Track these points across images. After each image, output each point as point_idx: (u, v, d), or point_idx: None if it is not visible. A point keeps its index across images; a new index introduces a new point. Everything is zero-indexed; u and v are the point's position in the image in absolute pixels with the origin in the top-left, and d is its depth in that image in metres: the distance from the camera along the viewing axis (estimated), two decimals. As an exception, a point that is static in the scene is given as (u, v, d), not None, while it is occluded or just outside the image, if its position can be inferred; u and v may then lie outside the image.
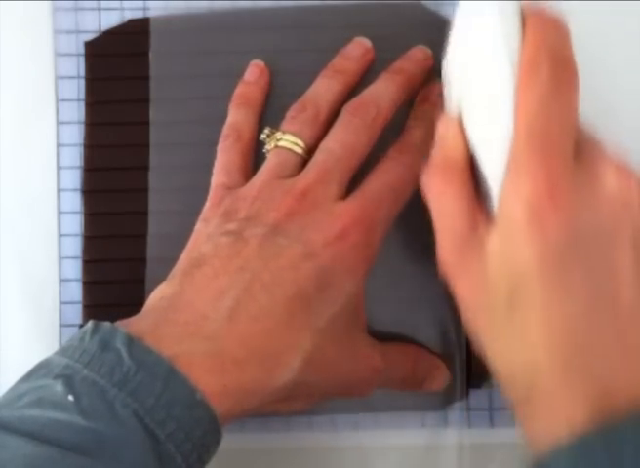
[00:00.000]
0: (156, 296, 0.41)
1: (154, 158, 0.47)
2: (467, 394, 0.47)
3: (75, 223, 0.48)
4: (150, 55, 0.47)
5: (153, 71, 0.47)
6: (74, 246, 0.48)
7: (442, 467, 0.47)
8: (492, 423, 0.48)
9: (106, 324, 0.38)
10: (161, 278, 0.46)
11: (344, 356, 0.42)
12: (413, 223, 0.46)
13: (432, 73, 0.46)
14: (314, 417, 0.47)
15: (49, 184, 0.48)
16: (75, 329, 0.48)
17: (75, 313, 0.48)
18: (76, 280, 0.48)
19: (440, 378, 0.46)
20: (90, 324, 0.39)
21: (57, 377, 0.37)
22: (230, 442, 0.47)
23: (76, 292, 0.48)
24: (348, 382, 0.43)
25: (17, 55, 0.48)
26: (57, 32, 0.48)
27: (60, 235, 0.48)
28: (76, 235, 0.48)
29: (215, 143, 0.46)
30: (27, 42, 0.48)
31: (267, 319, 0.39)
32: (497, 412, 0.48)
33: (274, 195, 0.41)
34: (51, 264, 0.48)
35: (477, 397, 0.47)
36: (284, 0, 0.48)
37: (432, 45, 0.47)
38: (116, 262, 0.47)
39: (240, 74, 0.47)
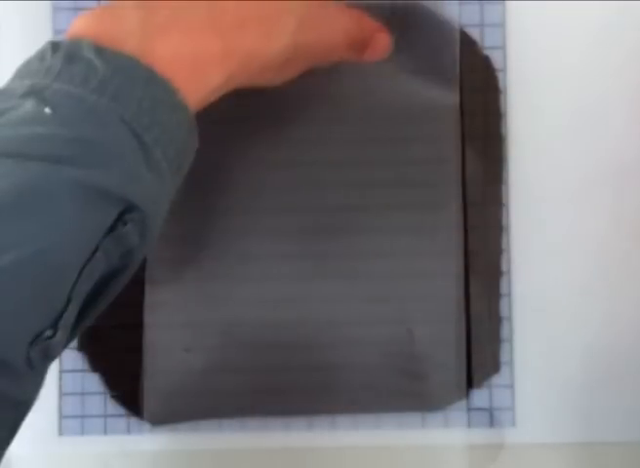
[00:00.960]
0: None
1: None
2: (467, 394, 0.47)
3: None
4: None
5: None
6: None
7: (442, 467, 0.47)
8: (492, 423, 0.48)
9: (65, 40, 0.36)
10: (160, 278, 0.46)
11: (327, 17, 0.42)
12: (414, 223, 0.47)
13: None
14: (314, 417, 0.47)
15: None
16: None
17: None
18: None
19: (382, 42, 0.45)
20: (47, 43, 0.36)
21: (23, 96, 0.34)
22: (230, 442, 0.47)
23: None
24: (329, 43, 0.42)
25: (17, 54, 0.48)
26: (57, 32, 0.48)
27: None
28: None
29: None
30: (27, 42, 0.48)
31: None
32: (497, 412, 0.48)
33: None
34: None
35: (477, 397, 0.47)
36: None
37: (432, 45, 0.47)
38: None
39: None
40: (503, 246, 0.48)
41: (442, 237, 0.47)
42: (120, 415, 0.47)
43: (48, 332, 0.32)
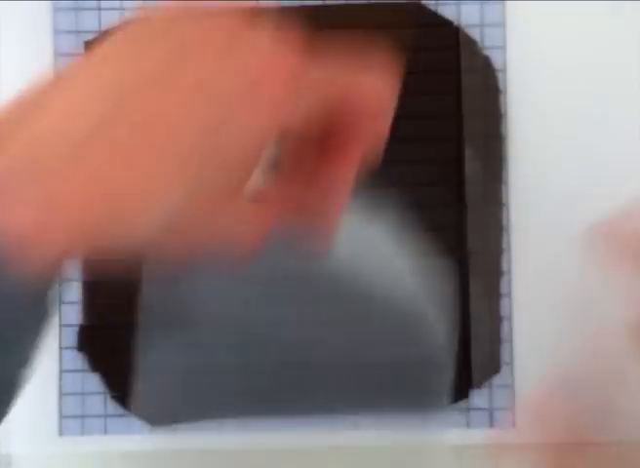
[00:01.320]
0: None
1: None
2: (467, 394, 0.47)
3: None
4: None
5: None
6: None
7: (442, 467, 0.47)
8: (492, 423, 0.48)
9: None
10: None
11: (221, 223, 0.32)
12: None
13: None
14: (314, 418, 0.47)
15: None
16: (75, 329, 0.48)
17: (75, 313, 0.48)
18: (76, 280, 0.48)
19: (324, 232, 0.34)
20: None
21: None
22: (230, 442, 0.47)
23: (76, 292, 0.48)
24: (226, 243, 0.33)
25: (17, 55, 0.48)
26: (57, 32, 0.48)
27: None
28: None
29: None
30: (27, 42, 0.48)
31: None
32: (497, 412, 0.48)
33: None
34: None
35: (477, 397, 0.47)
36: (286, 0, 0.48)
37: (432, 45, 0.47)
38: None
39: None
40: (503, 246, 0.48)
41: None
42: (120, 415, 0.47)
43: None
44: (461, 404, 0.47)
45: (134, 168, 0.28)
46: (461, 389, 0.47)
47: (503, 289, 0.48)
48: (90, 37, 0.48)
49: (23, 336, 0.29)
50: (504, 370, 0.47)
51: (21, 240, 0.28)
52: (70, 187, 0.28)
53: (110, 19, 0.48)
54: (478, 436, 0.47)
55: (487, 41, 0.48)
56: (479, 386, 0.47)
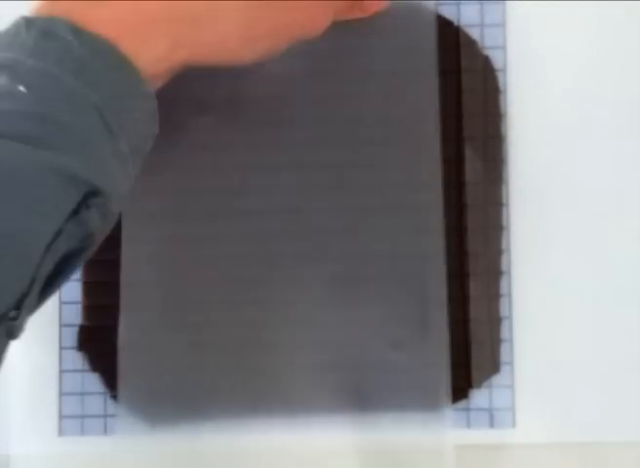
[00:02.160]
0: None
1: None
2: (467, 394, 0.47)
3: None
4: None
5: None
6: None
7: (442, 467, 0.47)
8: (492, 423, 0.47)
9: (42, 15, 0.35)
10: (135, 279, 0.46)
11: None
12: (407, 225, 0.47)
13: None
14: (313, 417, 0.47)
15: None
16: (75, 329, 0.48)
17: (75, 313, 0.48)
18: (76, 280, 0.48)
19: None
20: (20, 18, 0.35)
21: None
22: (231, 442, 0.47)
23: (76, 292, 0.48)
24: (306, 18, 0.41)
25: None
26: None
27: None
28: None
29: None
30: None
31: None
32: (497, 412, 0.47)
33: None
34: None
35: (477, 397, 0.47)
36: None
37: (432, 45, 0.47)
38: (116, 263, 0.47)
39: None
40: (503, 246, 0.48)
41: (425, 239, 0.47)
42: (120, 415, 0.47)
43: (12, 313, 0.32)
44: (461, 404, 0.47)
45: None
46: (461, 389, 0.47)
47: (503, 289, 0.48)
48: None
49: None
50: (504, 369, 0.47)
51: (127, 35, 0.35)
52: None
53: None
54: (478, 436, 0.47)
55: (487, 41, 0.48)
56: (479, 386, 0.47)
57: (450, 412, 0.47)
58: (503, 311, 0.47)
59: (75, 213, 0.33)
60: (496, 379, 0.47)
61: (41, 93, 0.33)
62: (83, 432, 0.47)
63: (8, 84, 0.32)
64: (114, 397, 0.47)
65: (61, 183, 0.32)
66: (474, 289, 0.47)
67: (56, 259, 0.33)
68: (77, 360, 0.48)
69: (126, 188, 0.36)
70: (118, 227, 0.46)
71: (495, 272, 0.47)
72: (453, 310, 0.47)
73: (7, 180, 0.31)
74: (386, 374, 0.47)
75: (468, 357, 0.47)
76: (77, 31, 0.34)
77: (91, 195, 0.34)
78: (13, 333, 0.32)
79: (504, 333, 0.47)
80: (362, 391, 0.47)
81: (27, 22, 0.35)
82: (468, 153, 0.47)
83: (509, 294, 0.48)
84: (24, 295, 0.32)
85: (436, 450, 0.47)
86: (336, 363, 0.47)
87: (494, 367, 0.47)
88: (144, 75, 0.35)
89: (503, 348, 0.47)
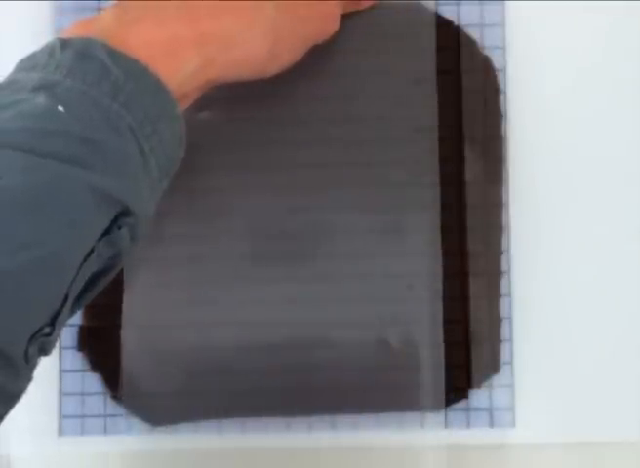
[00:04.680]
0: None
1: None
2: (467, 394, 0.47)
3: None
4: None
5: None
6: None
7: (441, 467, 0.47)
8: (492, 423, 0.47)
9: (76, 37, 0.36)
10: (138, 280, 0.46)
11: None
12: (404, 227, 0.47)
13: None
14: (314, 418, 0.47)
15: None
16: (75, 329, 0.47)
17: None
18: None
19: None
20: (54, 39, 0.36)
21: (35, 90, 0.34)
22: (231, 442, 0.47)
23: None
24: (322, 19, 0.44)
25: (17, 54, 0.48)
26: (57, 32, 0.48)
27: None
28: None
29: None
30: (28, 42, 0.48)
31: None
32: (497, 412, 0.47)
33: None
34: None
35: (477, 397, 0.47)
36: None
37: (432, 45, 0.47)
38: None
39: None
40: (503, 246, 0.48)
41: (417, 238, 0.47)
42: (120, 415, 0.47)
43: (46, 329, 0.33)
44: (461, 404, 0.47)
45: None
46: (461, 389, 0.47)
47: (504, 289, 0.47)
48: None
49: None
50: (504, 369, 0.47)
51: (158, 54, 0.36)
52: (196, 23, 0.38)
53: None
54: (478, 436, 0.47)
55: (487, 41, 0.48)
56: (479, 386, 0.47)
57: (446, 412, 0.47)
58: (504, 311, 0.47)
59: (107, 232, 0.34)
60: (496, 379, 0.47)
61: (79, 113, 0.33)
62: (83, 432, 0.47)
63: (47, 104, 0.33)
64: (114, 397, 0.47)
65: (97, 202, 0.33)
66: (474, 289, 0.47)
67: (86, 278, 0.34)
68: (77, 360, 0.48)
69: (153, 210, 0.37)
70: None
71: (495, 272, 0.47)
72: (453, 310, 0.47)
73: (46, 198, 0.32)
74: (384, 374, 0.47)
75: (468, 357, 0.47)
76: (112, 53, 0.35)
77: (123, 215, 0.34)
78: (46, 350, 0.33)
79: (504, 333, 0.47)
80: (359, 391, 0.47)
81: (62, 44, 0.35)
82: (468, 153, 0.47)
83: (510, 295, 0.48)
84: (58, 312, 0.33)
85: (436, 451, 0.47)
86: (327, 363, 0.47)
87: (493, 367, 0.47)
88: (175, 96, 0.37)
89: (503, 348, 0.47)
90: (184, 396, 0.47)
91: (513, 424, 0.47)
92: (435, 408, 0.47)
